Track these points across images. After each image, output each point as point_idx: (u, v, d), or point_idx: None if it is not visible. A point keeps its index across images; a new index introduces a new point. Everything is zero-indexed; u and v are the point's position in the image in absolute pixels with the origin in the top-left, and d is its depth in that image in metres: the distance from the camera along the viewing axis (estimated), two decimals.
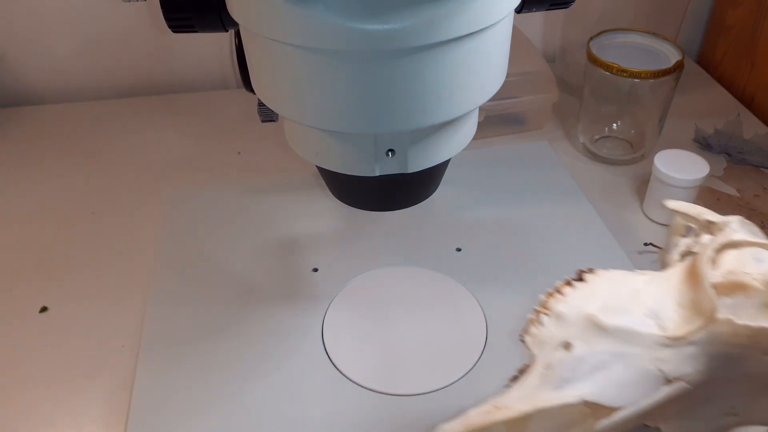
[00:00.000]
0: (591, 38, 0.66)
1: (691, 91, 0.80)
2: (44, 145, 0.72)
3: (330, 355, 0.47)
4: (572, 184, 0.63)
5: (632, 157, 0.69)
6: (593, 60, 0.63)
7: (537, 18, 0.84)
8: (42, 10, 0.75)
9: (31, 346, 0.50)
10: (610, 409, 0.30)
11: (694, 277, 0.31)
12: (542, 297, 0.32)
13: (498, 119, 0.71)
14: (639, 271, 0.34)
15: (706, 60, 0.87)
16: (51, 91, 0.80)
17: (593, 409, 0.30)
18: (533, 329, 0.32)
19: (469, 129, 0.38)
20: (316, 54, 0.30)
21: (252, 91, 0.37)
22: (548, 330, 0.31)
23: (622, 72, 0.61)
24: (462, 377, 0.45)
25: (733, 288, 0.31)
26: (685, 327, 0.30)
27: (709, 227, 0.36)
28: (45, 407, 0.46)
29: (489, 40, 0.32)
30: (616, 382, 0.30)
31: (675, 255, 0.37)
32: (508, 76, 0.37)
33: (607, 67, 0.62)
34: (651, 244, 0.58)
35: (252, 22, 0.31)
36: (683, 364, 0.30)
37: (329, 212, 0.59)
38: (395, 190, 0.39)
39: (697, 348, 0.30)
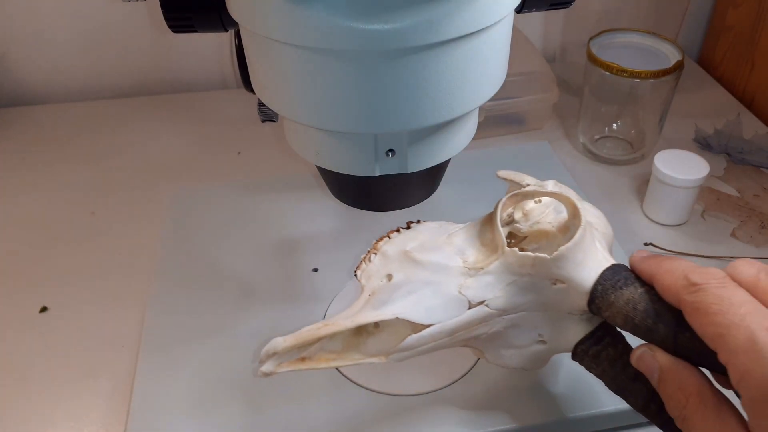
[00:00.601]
0: (591, 38, 0.66)
1: (691, 91, 0.80)
2: (44, 145, 0.72)
3: None
4: (572, 184, 0.63)
5: (632, 157, 0.69)
6: (593, 60, 0.63)
7: (537, 18, 0.85)
8: (42, 10, 0.75)
9: (31, 346, 0.50)
10: (421, 326, 0.35)
11: (491, 221, 0.37)
12: (373, 242, 0.38)
13: (498, 119, 0.71)
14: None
15: (706, 60, 0.87)
16: (51, 91, 0.80)
17: (410, 327, 0.35)
18: (363, 265, 0.38)
19: (469, 129, 0.38)
20: (316, 54, 0.30)
21: (252, 91, 0.37)
22: (375, 266, 0.37)
23: (622, 72, 0.61)
24: (461, 377, 0.45)
25: (539, 236, 0.38)
26: (483, 260, 0.36)
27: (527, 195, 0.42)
28: (45, 407, 0.46)
29: (489, 40, 0.32)
30: (426, 304, 0.35)
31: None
32: (508, 76, 0.36)
33: (607, 67, 0.62)
34: (651, 244, 0.58)
35: (252, 21, 0.31)
36: (483, 290, 0.35)
37: (329, 212, 0.59)
38: (395, 190, 0.39)
39: (493, 276, 0.35)
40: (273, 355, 0.34)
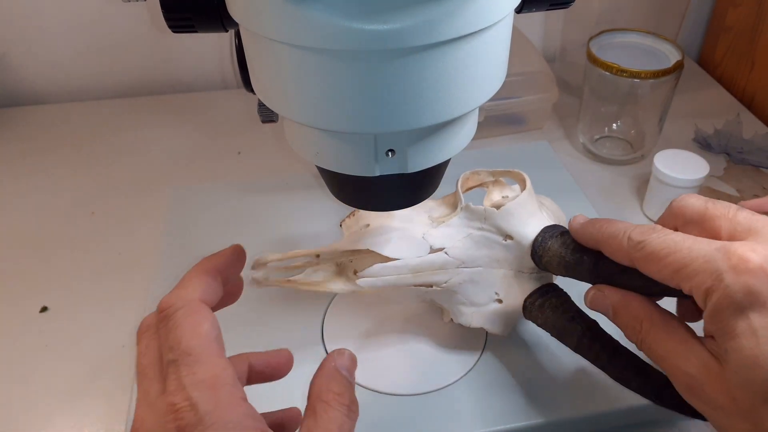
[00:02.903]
0: (591, 38, 0.66)
1: (691, 91, 0.80)
2: (44, 145, 0.72)
3: None
4: (572, 184, 0.63)
5: (632, 157, 0.69)
6: (593, 60, 0.63)
7: (537, 18, 0.85)
8: (42, 10, 0.75)
9: (31, 346, 0.50)
10: (389, 258, 0.41)
11: (456, 190, 0.44)
12: None
13: (498, 119, 0.72)
14: None
15: (706, 60, 0.87)
16: (51, 91, 0.80)
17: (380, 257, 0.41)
18: (347, 220, 0.45)
19: (469, 129, 0.38)
20: (316, 54, 0.30)
21: (252, 91, 0.37)
22: (355, 219, 0.44)
23: (622, 72, 0.61)
24: (461, 377, 0.45)
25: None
26: (445, 216, 0.43)
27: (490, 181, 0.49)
28: (45, 407, 0.46)
29: (489, 40, 0.32)
30: (394, 244, 0.41)
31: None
32: (508, 76, 0.36)
33: (607, 67, 0.62)
34: None
35: (252, 21, 0.31)
36: (443, 239, 0.41)
37: (329, 212, 0.59)
38: (395, 190, 0.39)
39: (453, 228, 0.42)
40: (264, 264, 0.38)
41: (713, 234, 0.32)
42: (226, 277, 0.35)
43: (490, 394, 0.44)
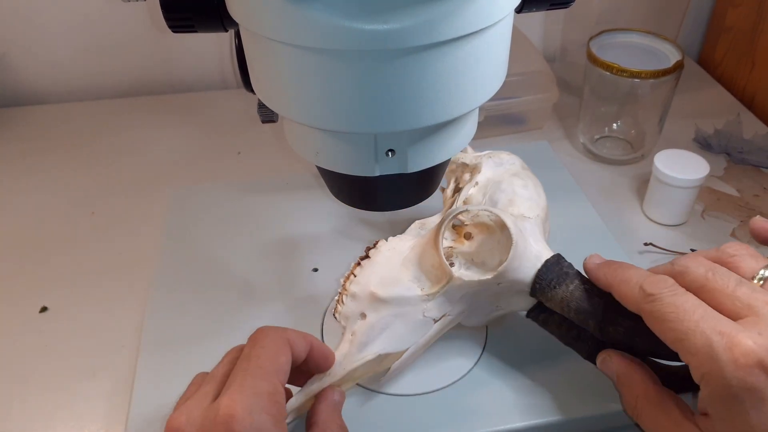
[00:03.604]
0: (591, 38, 0.66)
1: (691, 91, 0.80)
2: (44, 145, 0.72)
3: None
4: (572, 184, 0.63)
5: (632, 157, 0.69)
6: (593, 60, 0.63)
7: (537, 18, 0.85)
8: (42, 10, 0.75)
9: (31, 346, 0.50)
10: (399, 353, 0.41)
11: (436, 246, 0.41)
12: (341, 280, 0.43)
13: (498, 119, 0.72)
14: (407, 236, 0.46)
15: (706, 60, 0.87)
16: (51, 91, 0.80)
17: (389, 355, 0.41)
18: (339, 307, 0.43)
19: (469, 129, 0.38)
20: (316, 54, 0.30)
21: (252, 91, 0.37)
22: (348, 307, 0.42)
23: (622, 72, 0.61)
24: (461, 377, 0.45)
25: (480, 228, 0.44)
26: (436, 285, 0.41)
27: (464, 168, 0.50)
28: (45, 407, 0.46)
29: (489, 40, 0.32)
30: (399, 334, 0.41)
31: (449, 192, 0.50)
32: (508, 76, 0.36)
33: (607, 67, 0.62)
34: (651, 244, 0.58)
35: (252, 21, 0.31)
36: (441, 308, 0.42)
37: (329, 212, 0.59)
38: (395, 190, 0.39)
39: (447, 296, 0.41)
40: (291, 412, 0.39)
41: (714, 307, 0.32)
42: (311, 358, 0.38)
43: (489, 394, 0.44)
